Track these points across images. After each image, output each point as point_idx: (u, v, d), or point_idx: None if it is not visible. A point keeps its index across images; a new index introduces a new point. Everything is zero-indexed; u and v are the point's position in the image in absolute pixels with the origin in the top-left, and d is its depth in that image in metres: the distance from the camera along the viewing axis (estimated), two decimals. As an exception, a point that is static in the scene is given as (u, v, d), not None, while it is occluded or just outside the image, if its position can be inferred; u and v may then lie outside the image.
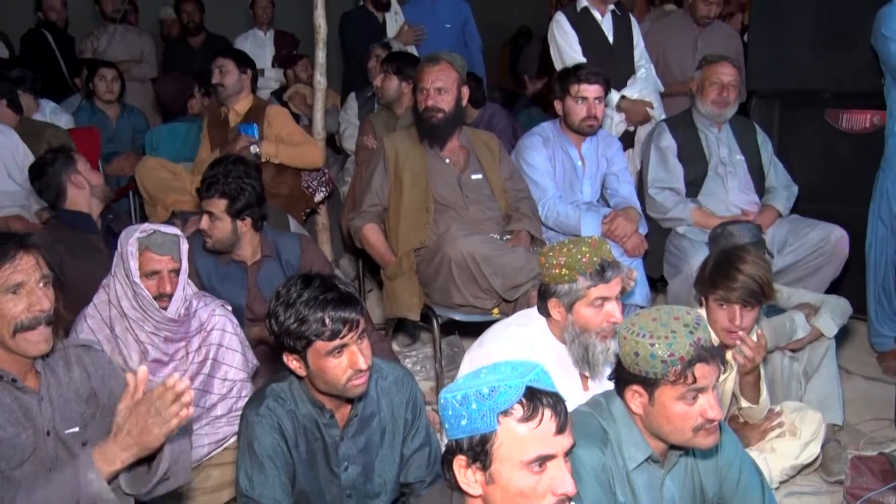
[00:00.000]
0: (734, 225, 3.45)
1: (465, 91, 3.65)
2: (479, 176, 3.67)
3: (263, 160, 4.13)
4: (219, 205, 3.12)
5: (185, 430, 1.96)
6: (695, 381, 1.90)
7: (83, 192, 3.38)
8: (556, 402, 1.62)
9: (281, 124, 4.32)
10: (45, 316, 1.95)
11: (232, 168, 3.16)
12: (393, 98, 4.52)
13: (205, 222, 3.15)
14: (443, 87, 3.55)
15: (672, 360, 1.88)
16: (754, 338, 2.78)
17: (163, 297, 2.68)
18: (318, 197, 4.48)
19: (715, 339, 2.63)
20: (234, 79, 4.32)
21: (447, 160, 3.65)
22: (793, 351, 3.24)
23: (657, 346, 1.90)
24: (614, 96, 4.43)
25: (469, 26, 5.93)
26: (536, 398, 1.60)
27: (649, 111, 4.50)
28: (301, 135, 4.39)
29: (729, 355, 2.76)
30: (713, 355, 1.93)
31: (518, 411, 1.58)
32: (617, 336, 2.03)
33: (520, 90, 7.48)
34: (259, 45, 6.61)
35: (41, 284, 1.96)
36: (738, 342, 2.71)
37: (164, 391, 1.78)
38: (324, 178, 4.49)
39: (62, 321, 2.05)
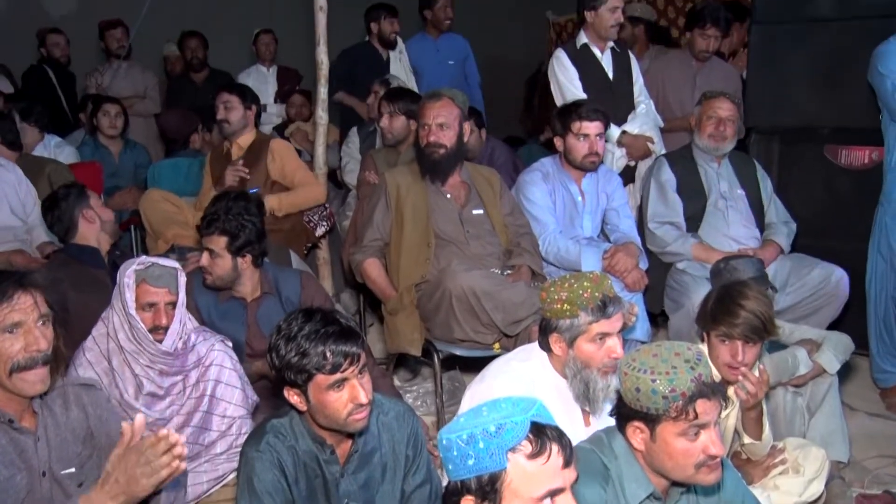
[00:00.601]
0: (737, 259, 3.45)
1: (467, 127, 3.68)
2: (480, 211, 3.68)
3: (267, 213, 4.09)
4: (219, 242, 3.13)
5: (179, 480, 1.94)
6: (696, 417, 1.89)
7: (94, 227, 3.42)
8: (561, 435, 1.61)
9: (285, 159, 4.32)
10: (41, 356, 1.93)
11: (232, 205, 3.18)
12: (401, 137, 4.54)
13: (205, 259, 3.16)
14: (444, 123, 3.57)
15: (673, 396, 1.88)
16: (756, 373, 2.78)
17: (158, 330, 2.67)
18: (320, 231, 4.49)
19: (716, 375, 2.62)
20: (239, 115, 4.34)
21: (448, 195, 3.66)
22: (796, 387, 3.23)
23: (658, 381, 1.89)
24: (615, 131, 4.46)
25: (469, 62, 6.03)
26: (543, 433, 1.60)
27: (650, 146, 4.53)
28: (303, 172, 4.39)
29: (731, 391, 2.75)
30: (714, 391, 1.93)
31: (527, 447, 1.58)
32: (618, 372, 2.03)
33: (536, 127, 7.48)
34: (262, 81, 6.69)
35: (39, 324, 1.95)
36: (740, 378, 2.70)
37: (157, 441, 1.77)
38: (325, 213, 4.50)
39: (62, 359, 2.04)
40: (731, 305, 2.73)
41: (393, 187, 3.63)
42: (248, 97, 4.41)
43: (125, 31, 6.44)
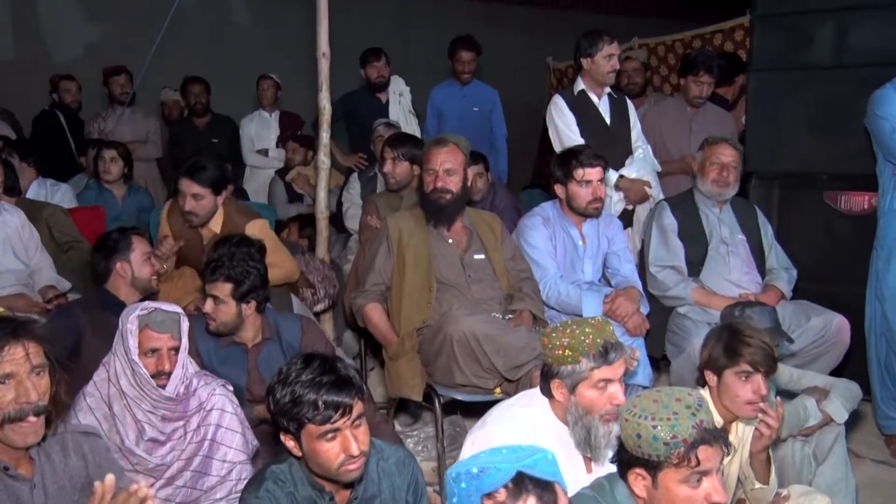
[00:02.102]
0: (752, 308, 3.40)
1: (471, 173, 3.71)
2: (482, 256, 3.69)
3: None
4: (224, 289, 3.11)
5: None
6: (698, 463, 1.88)
7: (124, 280, 3.47)
8: (544, 491, 1.60)
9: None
10: (32, 408, 1.92)
11: (236, 250, 3.18)
12: (404, 182, 4.57)
13: (209, 305, 3.15)
14: (451, 169, 3.59)
15: (675, 443, 1.87)
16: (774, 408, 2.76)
17: (161, 376, 2.67)
18: (318, 307, 4.45)
19: (718, 421, 2.62)
20: (208, 207, 3.95)
21: (450, 240, 3.68)
22: (804, 436, 3.20)
23: (659, 428, 1.89)
24: (612, 176, 4.48)
25: (496, 113, 6.05)
26: (523, 484, 1.59)
27: (647, 190, 4.56)
28: (278, 261, 3.98)
29: (732, 437, 2.74)
30: (716, 437, 1.92)
31: (501, 495, 1.57)
32: (619, 418, 2.02)
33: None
34: (264, 126, 6.77)
35: (32, 375, 1.93)
36: (759, 415, 2.67)
37: (128, 497, 1.76)
38: (332, 292, 4.44)
39: (62, 408, 2.03)
40: (743, 338, 2.72)
41: (395, 232, 3.64)
42: (221, 185, 4.00)
43: (129, 78, 6.52)
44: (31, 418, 1.93)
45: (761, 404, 2.69)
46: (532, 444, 1.80)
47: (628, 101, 4.80)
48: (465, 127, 5.65)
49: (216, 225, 4.03)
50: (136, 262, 3.49)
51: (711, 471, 1.90)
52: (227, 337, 3.20)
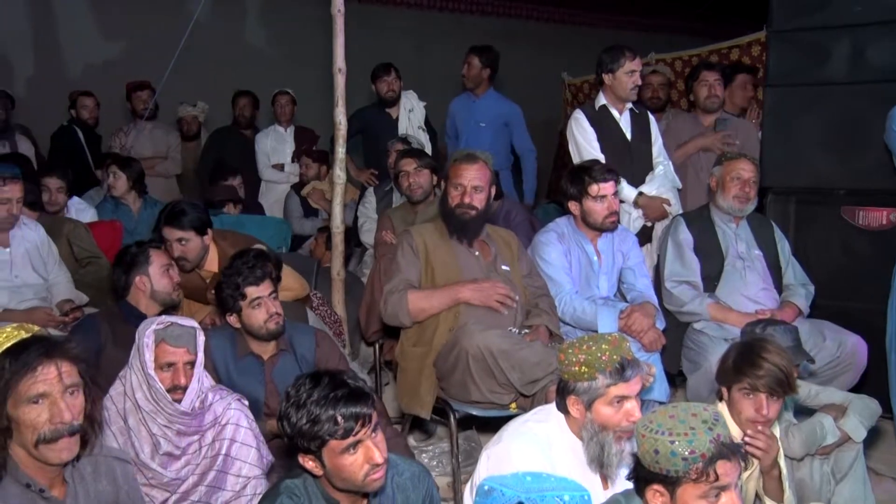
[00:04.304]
0: (774, 326, 3.35)
1: (493, 189, 3.72)
2: (508, 268, 3.69)
3: None
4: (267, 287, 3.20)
5: None
6: (717, 478, 1.87)
7: (143, 294, 3.49)
8: None
9: None
10: (67, 428, 1.93)
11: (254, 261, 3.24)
12: (429, 191, 4.60)
13: (272, 306, 3.19)
14: (479, 186, 3.60)
15: (693, 458, 1.86)
16: (777, 432, 2.74)
17: (177, 390, 2.69)
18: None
19: (736, 434, 2.60)
20: (196, 248, 3.88)
21: (477, 252, 3.68)
22: (822, 455, 3.17)
23: (677, 443, 1.88)
24: (631, 192, 4.48)
25: (517, 129, 5.98)
26: None
27: (666, 207, 4.54)
28: (285, 283, 3.88)
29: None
30: (734, 452, 1.91)
31: None
32: (635, 434, 2.01)
33: None
34: (280, 141, 6.81)
35: (67, 394, 1.94)
36: (750, 433, 2.68)
37: None
38: (339, 329, 4.44)
39: (96, 426, 2.03)
40: (755, 358, 2.71)
41: (420, 242, 3.62)
42: (203, 226, 3.90)
43: (151, 93, 6.59)
44: (66, 438, 1.93)
45: (758, 426, 2.67)
46: (578, 481, 1.78)
47: (650, 116, 4.80)
48: (469, 142, 5.68)
49: (213, 265, 3.96)
50: (155, 275, 3.51)
51: (730, 486, 1.89)
52: (243, 346, 3.22)
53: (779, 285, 4.12)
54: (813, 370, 3.66)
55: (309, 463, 2.11)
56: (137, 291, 3.50)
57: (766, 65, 4.97)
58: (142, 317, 3.38)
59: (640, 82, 4.62)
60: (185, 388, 2.70)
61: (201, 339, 2.76)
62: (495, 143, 5.75)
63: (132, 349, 2.74)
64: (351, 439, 2.03)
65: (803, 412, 3.27)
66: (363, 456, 2.06)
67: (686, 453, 1.86)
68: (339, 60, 4.47)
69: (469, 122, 5.96)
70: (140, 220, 5.44)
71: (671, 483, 1.91)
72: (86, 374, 2.00)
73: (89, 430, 2.00)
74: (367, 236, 5.33)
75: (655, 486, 1.94)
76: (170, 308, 3.56)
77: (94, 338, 3.27)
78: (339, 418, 2.02)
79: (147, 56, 7.21)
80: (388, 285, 3.56)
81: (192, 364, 2.73)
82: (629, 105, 4.66)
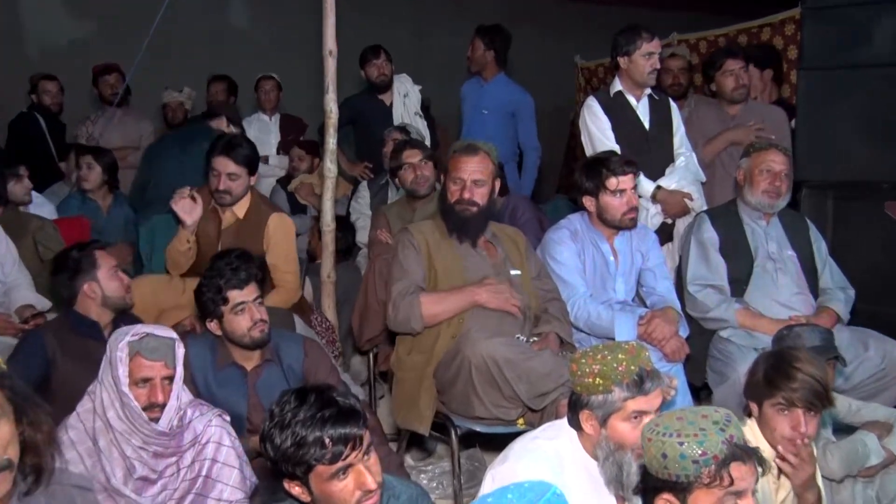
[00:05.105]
0: (802, 327, 3.38)
1: (497, 184, 3.71)
2: (518, 272, 3.69)
3: None
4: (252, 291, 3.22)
5: None
6: (732, 482, 1.88)
7: (93, 301, 3.44)
8: None
9: (277, 241, 4.18)
10: None
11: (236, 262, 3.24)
12: (433, 184, 4.62)
13: (257, 312, 3.21)
14: (480, 180, 3.60)
15: (705, 460, 1.87)
16: (814, 451, 2.73)
17: (154, 408, 2.67)
18: None
19: (769, 455, 2.59)
20: (243, 187, 4.16)
21: (483, 252, 3.68)
22: (865, 477, 3.16)
23: (686, 445, 1.88)
24: (649, 186, 4.48)
25: (523, 121, 5.96)
26: None
27: (688, 203, 4.54)
28: (284, 266, 4.19)
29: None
30: (749, 454, 1.91)
31: None
32: (641, 439, 2.01)
33: None
34: (264, 131, 6.81)
35: None
36: (779, 447, 2.67)
37: None
38: (335, 354, 4.46)
39: (43, 455, 1.91)
40: (787, 369, 2.69)
41: (421, 241, 3.62)
42: (255, 165, 4.24)
43: (120, 77, 6.57)
44: None
45: (800, 442, 2.67)
46: (544, 481, 1.78)
47: (672, 104, 4.80)
48: (471, 131, 5.67)
49: (241, 209, 4.19)
50: (105, 280, 3.45)
51: (747, 491, 1.90)
52: (224, 356, 3.22)
53: (814, 289, 4.10)
54: (853, 383, 3.65)
55: (295, 489, 2.11)
56: (86, 299, 3.44)
57: (800, 45, 4.96)
58: (94, 326, 3.39)
59: (658, 66, 4.62)
60: (162, 406, 2.68)
61: (180, 351, 2.75)
62: (498, 134, 5.72)
63: (102, 362, 2.73)
64: (340, 464, 2.03)
65: (843, 430, 3.26)
66: (354, 482, 2.05)
67: (697, 455, 1.87)
68: (330, 42, 4.47)
69: (473, 108, 5.99)
70: (110, 219, 5.43)
71: (682, 490, 1.91)
72: (19, 399, 1.87)
73: (37, 460, 1.90)
74: (361, 234, 5.33)
75: (665, 496, 1.95)
76: (123, 311, 3.53)
77: (39, 354, 3.24)
78: (327, 441, 2.01)
79: (117, 36, 7.23)
80: (395, 289, 3.54)
81: (171, 379, 2.72)
82: (647, 91, 4.66)
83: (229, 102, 6.93)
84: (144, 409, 2.65)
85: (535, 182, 6.12)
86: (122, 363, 2.65)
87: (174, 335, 2.75)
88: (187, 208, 4.11)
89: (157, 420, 2.66)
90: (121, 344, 2.66)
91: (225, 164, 4.08)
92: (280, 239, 4.19)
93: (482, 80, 6.00)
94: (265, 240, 4.16)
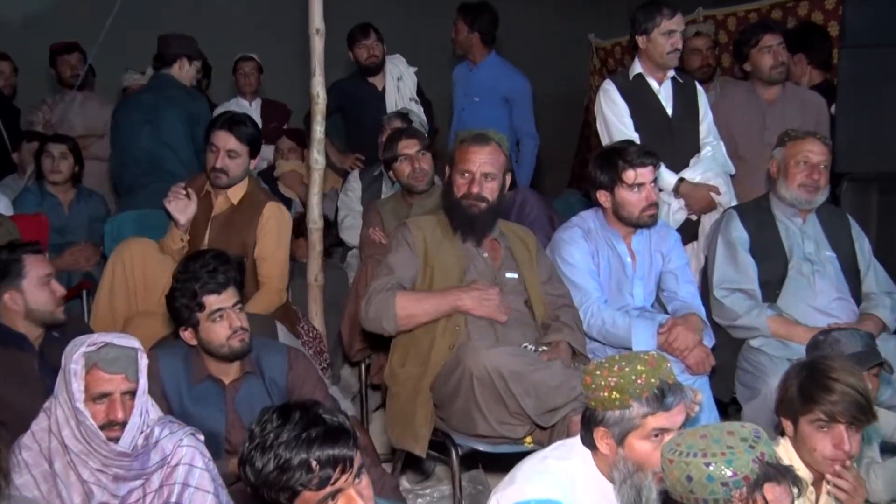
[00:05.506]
0: (840, 331, 3.36)
1: (508, 178, 3.72)
2: (514, 275, 3.70)
3: None
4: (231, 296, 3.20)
5: None
6: None
7: (16, 312, 3.37)
8: None
9: (270, 230, 4.22)
10: None
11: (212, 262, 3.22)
12: (432, 179, 4.66)
13: (237, 319, 3.20)
14: (490, 174, 3.61)
15: (735, 482, 1.88)
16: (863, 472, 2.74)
17: (113, 426, 2.66)
18: None
19: (807, 478, 2.60)
20: (241, 168, 4.23)
21: (485, 254, 3.69)
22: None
23: (714, 465, 1.89)
24: (671, 179, 4.49)
25: (517, 107, 5.94)
26: None
27: (715, 197, 4.55)
28: (271, 260, 4.24)
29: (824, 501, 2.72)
30: (783, 473, 1.92)
31: None
32: (661, 460, 2.02)
33: None
34: (243, 117, 6.80)
35: None
36: (835, 469, 2.66)
37: None
38: (323, 366, 4.48)
39: None
40: (824, 380, 2.69)
41: (419, 238, 3.63)
42: (257, 147, 4.32)
43: (82, 58, 6.56)
44: None
45: (846, 462, 2.67)
46: (551, 499, 1.79)
47: (699, 88, 4.80)
48: (462, 120, 5.68)
49: (236, 195, 4.27)
50: (31, 290, 3.37)
51: (784, 516, 1.90)
52: (201, 370, 3.21)
53: (857, 294, 4.12)
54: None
55: None
56: (7, 311, 3.37)
57: (841, 20, 4.96)
58: (22, 338, 3.35)
59: (679, 45, 4.61)
60: (123, 424, 2.67)
61: (143, 362, 2.73)
62: (491, 124, 5.67)
63: (58, 376, 2.72)
64: (328, 489, 2.03)
65: (889, 450, 3.27)
66: None
67: (726, 476, 1.87)
68: (317, 19, 4.48)
69: (464, 95, 6.01)
70: (72, 216, 5.43)
71: None
72: None
73: None
74: (350, 234, 5.33)
75: None
76: (55, 326, 3.46)
77: None
78: (314, 464, 2.01)
79: (79, 11, 7.21)
80: (374, 283, 3.56)
81: (133, 394, 2.70)
82: (671, 73, 4.67)
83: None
84: (102, 427, 2.63)
85: (545, 175, 6.13)
86: (76, 377, 2.62)
87: (136, 344, 2.73)
88: (181, 207, 4.16)
89: (116, 440, 2.65)
90: (75, 355, 2.64)
91: (226, 140, 4.16)
92: (273, 229, 4.24)
93: (471, 64, 6.02)
94: (258, 229, 4.21)
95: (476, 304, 3.51)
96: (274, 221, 4.24)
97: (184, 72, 5.46)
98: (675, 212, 4.54)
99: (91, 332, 3.23)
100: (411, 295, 3.54)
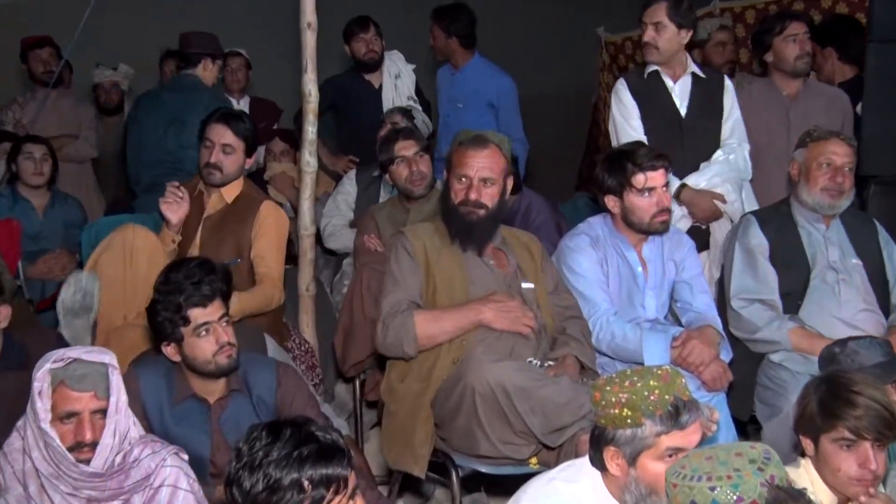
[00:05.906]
0: (857, 341, 3.36)
1: (510, 182, 3.73)
2: (531, 285, 3.70)
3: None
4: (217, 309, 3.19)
5: None
6: None
7: None
8: None
9: (268, 229, 4.27)
10: None
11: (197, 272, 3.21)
12: (431, 182, 4.68)
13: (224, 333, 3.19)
14: (490, 178, 3.61)
15: None
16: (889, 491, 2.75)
17: (83, 447, 2.65)
18: None
19: (829, 501, 2.61)
20: (236, 165, 4.30)
21: (491, 261, 3.70)
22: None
23: (719, 490, 1.90)
24: (673, 183, 4.41)
25: (503, 111, 5.96)
26: None
27: (719, 206, 4.53)
28: (269, 259, 4.29)
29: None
30: (795, 498, 1.92)
31: None
32: (665, 485, 2.02)
33: None
34: (230, 117, 6.82)
35: None
36: (862, 497, 2.66)
37: None
38: (318, 382, 4.49)
39: None
40: (847, 394, 2.68)
41: (419, 247, 3.63)
42: (254, 145, 4.38)
43: (55, 52, 6.56)
44: None
45: (866, 487, 2.67)
46: None
47: (727, 84, 4.76)
48: (447, 126, 5.73)
49: (230, 193, 4.34)
50: None
51: (795, 543, 1.91)
52: (184, 389, 3.21)
53: (885, 304, 4.12)
54: None
55: None
56: None
57: (868, 12, 4.96)
58: None
59: (656, 38, 4.57)
60: (94, 445, 2.66)
61: (115, 378, 2.71)
62: (477, 129, 5.75)
63: (31, 394, 2.71)
64: None
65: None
66: None
67: (731, 501, 1.88)
68: (309, 13, 4.49)
69: (448, 101, 6.03)
70: (47, 221, 5.43)
71: None
72: None
73: None
74: (334, 241, 5.31)
75: None
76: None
77: None
78: (306, 484, 2.03)
79: (52, 3, 7.20)
80: (386, 304, 3.55)
81: (103, 412, 2.69)
82: (692, 68, 4.67)
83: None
84: (71, 448, 2.63)
85: (551, 177, 6.13)
86: (42, 396, 2.62)
87: (108, 359, 2.71)
88: (174, 207, 4.21)
89: (89, 461, 2.64)
90: (41, 372, 2.63)
91: (221, 134, 4.24)
92: (271, 227, 4.30)
93: (452, 68, 6.05)
94: (255, 228, 4.25)
95: (498, 316, 3.52)
96: (272, 220, 4.31)
97: (208, 72, 5.57)
98: (678, 220, 4.48)
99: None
100: (428, 314, 3.53)
